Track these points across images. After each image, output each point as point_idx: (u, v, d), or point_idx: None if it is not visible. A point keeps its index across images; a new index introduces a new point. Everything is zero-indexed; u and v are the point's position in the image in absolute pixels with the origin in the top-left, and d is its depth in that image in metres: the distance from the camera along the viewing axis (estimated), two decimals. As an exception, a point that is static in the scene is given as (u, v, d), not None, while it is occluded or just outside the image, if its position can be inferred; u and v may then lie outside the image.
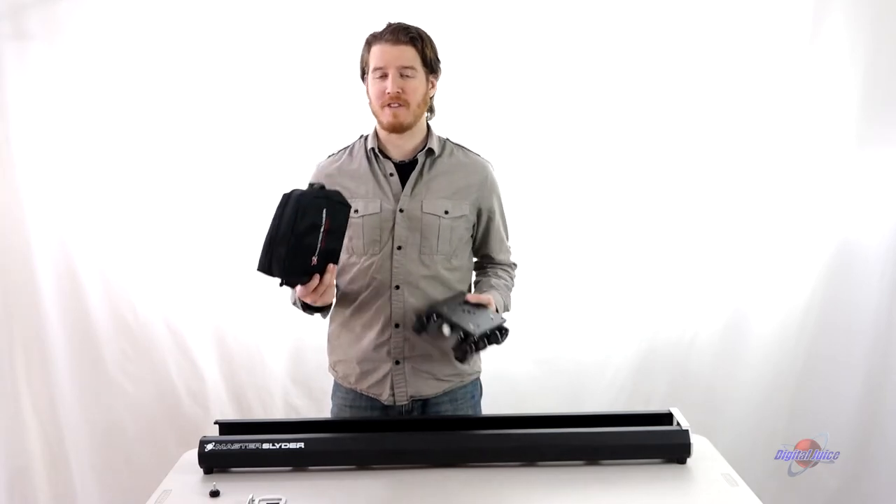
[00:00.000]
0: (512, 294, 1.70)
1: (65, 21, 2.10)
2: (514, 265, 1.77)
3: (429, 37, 1.56)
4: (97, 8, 2.11)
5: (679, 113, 2.25)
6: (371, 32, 1.55)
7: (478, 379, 1.74)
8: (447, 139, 1.66)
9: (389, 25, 1.54)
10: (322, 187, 1.42)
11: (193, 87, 2.18)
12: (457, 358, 1.44)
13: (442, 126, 1.69)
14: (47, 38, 2.11)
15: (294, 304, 1.60)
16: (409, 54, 1.52)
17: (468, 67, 2.12)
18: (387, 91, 1.50)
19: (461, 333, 1.41)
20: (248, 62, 2.18)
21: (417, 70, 1.53)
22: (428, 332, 1.48)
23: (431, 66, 1.57)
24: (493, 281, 1.67)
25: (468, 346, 1.40)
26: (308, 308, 1.56)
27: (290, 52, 2.17)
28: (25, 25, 2.09)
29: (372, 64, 1.53)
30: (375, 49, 1.52)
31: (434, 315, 1.45)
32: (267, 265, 1.36)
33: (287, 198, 1.37)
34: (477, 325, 1.42)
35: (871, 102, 2.20)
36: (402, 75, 1.51)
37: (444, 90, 1.67)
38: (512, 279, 1.74)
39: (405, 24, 1.54)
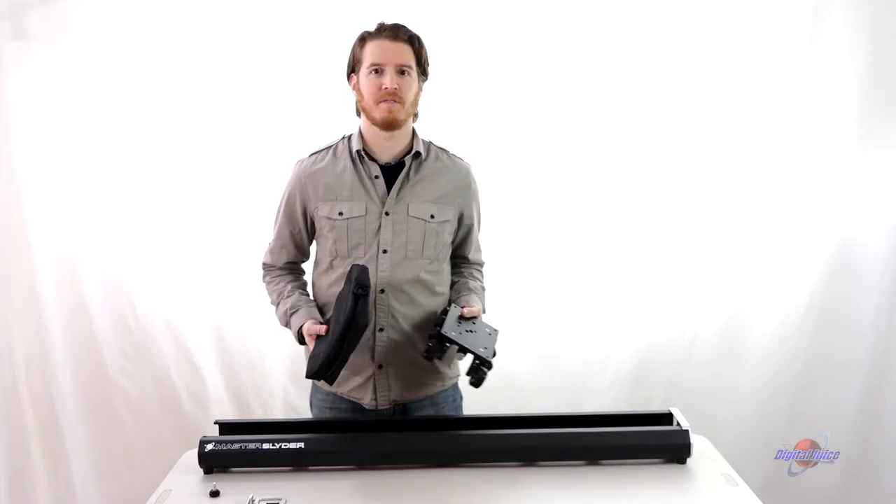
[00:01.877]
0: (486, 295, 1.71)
1: (65, 21, 2.10)
2: (483, 263, 1.78)
3: (422, 40, 1.56)
4: (97, 8, 2.11)
5: (679, 113, 2.25)
6: (364, 30, 1.54)
7: (457, 383, 1.75)
8: (431, 142, 1.66)
9: (384, 24, 1.53)
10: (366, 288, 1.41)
11: (193, 87, 2.17)
12: (472, 383, 1.41)
13: (435, 123, 1.69)
14: (47, 38, 2.10)
15: (286, 325, 1.63)
16: (407, 53, 1.52)
17: (458, 65, 2.12)
18: (384, 86, 1.49)
19: (476, 360, 1.40)
20: (247, 62, 2.17)
21: (413, 69, 1.53)
22: (441, 359, 1.46)
23: (423, 68, 1.57)
24: (472, 284, 1.68)
25: (483, 370, 1.40)
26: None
27: (289, 51, 2.17)
28: (25, 25, 2.08)
29: (367, 60, 1.51)
30: (372, 45, 1.51)
31: (446, 342, 1.41)
32: (329, 376, 1.40)
33: (353, 320, 1.37)
34: (485, 346, 1.42)
35: (871, 102, 2.20)
36: (399, 72, 1.50)
37: (437, 89, 1.66)
38: (483, 279, 1.75)
39: (401, 24, 1.53)
